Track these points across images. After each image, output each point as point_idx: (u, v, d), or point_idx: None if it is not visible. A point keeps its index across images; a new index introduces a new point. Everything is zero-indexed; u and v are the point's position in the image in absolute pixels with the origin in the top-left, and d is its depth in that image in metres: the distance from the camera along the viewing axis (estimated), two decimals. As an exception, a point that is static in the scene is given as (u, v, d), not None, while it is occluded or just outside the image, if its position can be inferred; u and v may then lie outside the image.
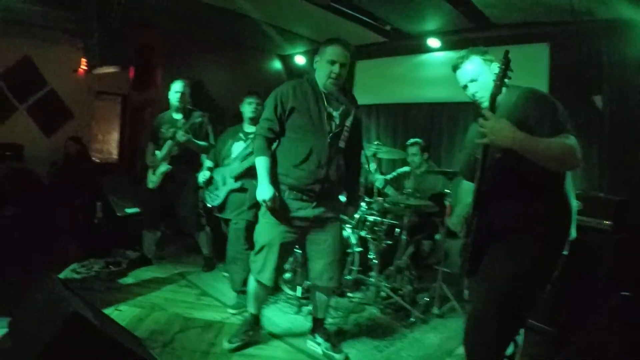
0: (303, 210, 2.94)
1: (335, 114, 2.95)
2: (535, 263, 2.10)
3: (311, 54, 6.82)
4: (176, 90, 4.38)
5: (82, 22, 4.67)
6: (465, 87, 2.34)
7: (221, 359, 3.04)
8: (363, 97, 6.13)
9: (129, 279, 4.29)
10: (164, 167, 4.36)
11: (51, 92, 5.57)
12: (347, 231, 4.31)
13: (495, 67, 2.22)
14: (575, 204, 2.22)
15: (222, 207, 4.03)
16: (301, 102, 2.93)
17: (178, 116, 4.42)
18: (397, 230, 4.50)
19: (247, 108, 4.04)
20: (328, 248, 3.02)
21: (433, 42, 5.33)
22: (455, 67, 2.35)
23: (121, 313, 3.54)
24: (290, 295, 4.08)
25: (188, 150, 4.32)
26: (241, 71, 6.92)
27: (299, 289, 3.97)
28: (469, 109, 4.83)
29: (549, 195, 2.14)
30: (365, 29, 5.48)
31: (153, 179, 4.43)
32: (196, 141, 4.28)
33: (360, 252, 4.23)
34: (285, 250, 3.02)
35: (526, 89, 2.25)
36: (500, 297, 2.09)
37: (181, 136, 4.14)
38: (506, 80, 2.12)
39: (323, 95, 2.95)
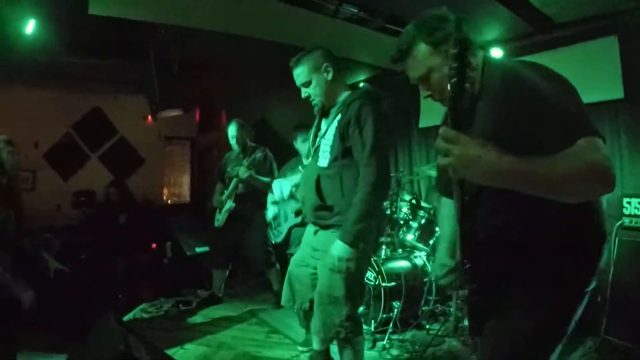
0: None
1: (320, 132, 2.54)
2: (562, 308, 1.42)
3: (374, 81, 6.72)
4: (231, 134, 4.40)
5: (143, 70, 4.82)
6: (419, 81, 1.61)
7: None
8: (430, 119, 5.90)
9: (198, 318, 4.21)
10: (228, 205, 4.33)
11: (122, 139, 5.79)
12: (422, 259, 4.03)
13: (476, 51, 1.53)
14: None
15: (286, 243, 3.93)
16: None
17: (241, 155, 4.40)
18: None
19: (301, 147, 3.83)
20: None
21: (495, 52, 5.02)
22: (394, 62, 1.63)
23: (186, 352, 3.44)
24: (364, 329, 3.79)
25: (252, 188, 4.27)
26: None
27: (373, 323, 3.71)
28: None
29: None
30: (425, 47, 5.27)
31: (219, 217, 4.42)
32: (258, 177, 4.20)
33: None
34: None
35: (516, 69, 1.46)
36: None
37: (243, 172, 4.09)
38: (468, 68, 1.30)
39: (316, 119, 2.62)
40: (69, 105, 5.46)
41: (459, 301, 1.79)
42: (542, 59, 4.47)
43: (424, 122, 6.02)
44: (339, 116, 2.39)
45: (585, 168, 1.15)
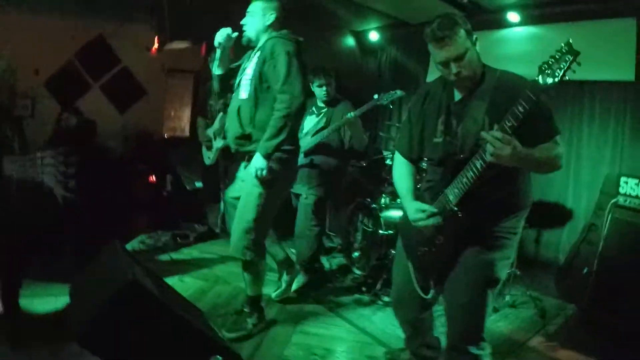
0: None
1: (241, 69, 2.89)
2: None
3: (385, 30, 6.60)
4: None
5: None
6: (444, 64, 1.94)
7: (282, 335, 2.97)
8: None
9: (194, 252, 4.32)
10: (219, 143, 4.24)
11: (124, 69, 5.66)
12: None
13: (477, 43, 1.97)
14: None
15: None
16: None
17: None
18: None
19: (318, 92, 3.79)
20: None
21: (513, 16, 4.93)
22: (436, 41, 1.91)
23: (184, 284, 3.55)
24: (358, 274, 3.94)
25: None
26: (313, 49, 6.70)
27: (367, 269, 3.84)
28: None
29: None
30: (442, 2, 5.14)
31: (209, 155, 4.35)
32: None
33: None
34: None
35: (512, 74, 2.00)
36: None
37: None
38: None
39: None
40: (74, 31, 5.27)
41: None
42: (559, 29, 4.46)
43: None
44: (258, 53, 2.70)
45: (552, 160, 1.87)
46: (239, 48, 2.94)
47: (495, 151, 1.68)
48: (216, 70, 2.83)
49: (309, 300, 3.53)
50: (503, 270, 2.08)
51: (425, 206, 2.05)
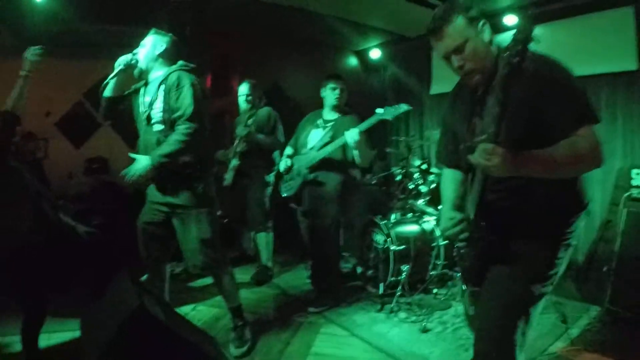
0: None
1: (146, 102, 2.90)
2: (547, 255, 1.77)
3: (386, 47, 6.66)
4: (242, 92, 4.37)
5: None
6: (446, 58, 1.78)
7: (297, 357, 2.93)
8: (442, 85, 5.86)
9: (208, 280, 4.27)
10: (234, 163, 4.32)
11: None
12: (432, 224, 4.06)
13: (487, 29, 1.74)
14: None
15: (297, 198, 3.86)
16: None
17: (250, 122, 4.36)
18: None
19: (330, 94, 3.78)
20: None
21: (510, 19, 4.93)
22: (433, 33, 1.75)
23: (198, 312, 3.57)
24: (372, 292, 3.89)
25: (255, 146, 4.23)
26: (318, 70, 6.79)
27: (381, 286, 3.75)
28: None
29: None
30: (436, 12, 5.19)
31: (226, 176, 4.41)
32: (257, 135, 4.16)
33: (445, 246, 3.93)
34: None
35: (537, 56, 1.62)
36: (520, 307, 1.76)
37: (241, 130, 4.08)
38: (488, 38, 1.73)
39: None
40: (81, 73, 5.45)
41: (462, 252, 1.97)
42: (557, 27, 4.44)
43: (436, 88, 6.01)
44: (163, 86, 2.76)
45: (581, 155, 1.53)
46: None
47: (484, 164, 1.48)
48: (108, 92, 2.87)
49: (323, 321, 3.50)
50: (539, 288, 1.76)
51: (455, 213, 1.91)
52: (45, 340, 2.94)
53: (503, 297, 1.75)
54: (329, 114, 3.85)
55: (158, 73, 2.84)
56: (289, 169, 3.90)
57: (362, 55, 7.20)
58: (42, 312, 2.85)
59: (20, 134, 5.00)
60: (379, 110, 3.42)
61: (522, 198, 1.72)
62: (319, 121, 3.87)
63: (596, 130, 1.58)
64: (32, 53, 2.81)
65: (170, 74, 2.79)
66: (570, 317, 3.36)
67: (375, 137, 4.07)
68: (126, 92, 2.94)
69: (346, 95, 3.81)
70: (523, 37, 1.32)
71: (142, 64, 2.83)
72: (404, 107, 3.44)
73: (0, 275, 2.68)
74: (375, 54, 6.84)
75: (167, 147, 2.64)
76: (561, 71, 1.62)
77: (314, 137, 3.81)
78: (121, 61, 2.78)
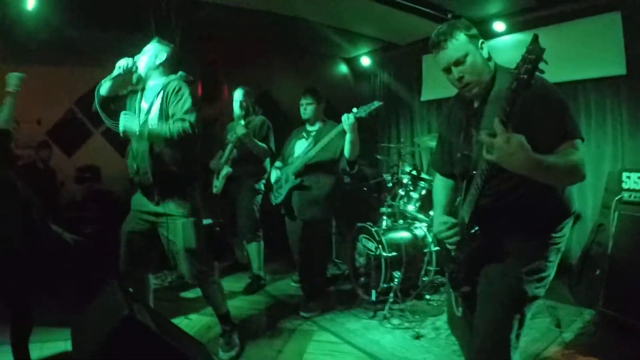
0: None
1: (143, 109, 2.92)
2: (538, 252, 1.86)
3: (376, 54, 6.69)
4: (236, 98, 4.36)
5: (143, 44, 4.80)
6: (447, 70, 1.89)
7: (289, 366, 2.91)
8: (432, 92, 5.88)
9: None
10: (225, 170, 4.31)
11: (125, 114, 5.77)
12: (423, 230, 4.05)
13: (485, 47, 1.87)
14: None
15: (286, 205, 3.91)
16: None
17: (242, 122, 4.36)
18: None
19: (301, 110, 3.96)
20: None
21: (498, 25, 4.99)
22: (435, 46, 1.87)
23: (190, 322, 3.54)
24: (364, 299, 3.87)
25: (248, 154, 4.23)
26: (308, 78, 6.81)
27: (373, 293, 3.74)
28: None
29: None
30: (427, 21, 5.23)
31: (216, 184, 4.40)
32: (254, 139, 4.15)
33: (437, 251, 3.93)
34: None
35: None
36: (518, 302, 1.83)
37: (240, 129, 4.05)
38: (490, 60, 1.86)
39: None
40: (72, 81, 5.43)
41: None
42: (545, 33, 4.44)
43: (426, 95, 6.04)
44: (161, 94, 2.80)
45: (571, 169, 1.62)
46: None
47: (494, 153, 1.51)
48: (103, 91, 2.82)
49: (316, 328, 3.48)
50: (532, 288, 1.82)
51: (448, 218, 2.00)
52: (38, 350, 2.92)
53: (498, 295, 1.83)
54: (311, 126, 3.98)
55: (156, 81, 2.87)
56: (278, 179, 3.99)
57: (352, 62, 7.24)
58: (29, 319, 2.83)
59: (36, 143, 5.08)
60: (354, 110, 3.47)
61: (512, 201, 1.80)
62: (303, 132, 4.01)
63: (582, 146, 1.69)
64: (13, 84, 2.83)
65: (170, 82, 2.83)
66: (564, 320, 3.37)
67: (366, 144, 4.10)
68: (120, 93, 2.93)
69: (316, 108, 3.91)
70: (534, 57, 1.39)
71: (141, 71, 2.84)
72: (376, 104, 3.48)
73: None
74: (365, 61, 6.88)
75: (159, 129, 2.67)
76: (555, 92, 1.74)
77: (299, 147, 3.93)
78: (121, 65, 2.77)
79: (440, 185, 2.26)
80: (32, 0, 4.02)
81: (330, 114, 4.04)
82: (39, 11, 4.17)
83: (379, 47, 6.49)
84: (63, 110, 5.59)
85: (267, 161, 4.38)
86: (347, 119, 3.42)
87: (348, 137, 3.49)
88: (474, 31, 1.87)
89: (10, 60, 4.93)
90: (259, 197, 4.37)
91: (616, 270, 3.20)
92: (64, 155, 5.61)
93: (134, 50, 4.04)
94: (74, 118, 5.60)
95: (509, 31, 4.93)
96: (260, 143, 4.17)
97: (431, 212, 4.14)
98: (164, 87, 2.81)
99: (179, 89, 2.79)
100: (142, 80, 2.88)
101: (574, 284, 3.58)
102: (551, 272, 1.88)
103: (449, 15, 4.92)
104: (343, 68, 7.39)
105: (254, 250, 4.38)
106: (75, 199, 5.32)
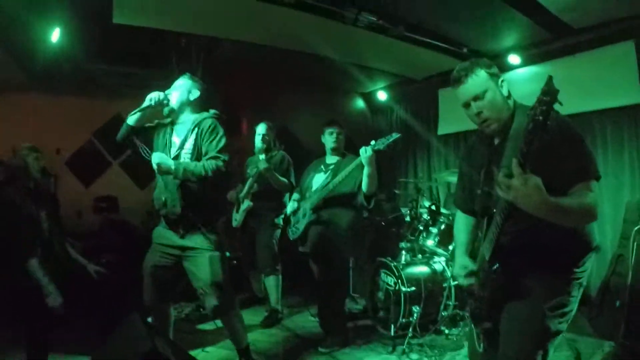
0: None
1: (175, 144, 3.00)
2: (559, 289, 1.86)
3: (393, 89, 6.76)
4: (259, 132, 4.42)
5: (165, 78, 4.90)
6: (466, 105, 1.94)
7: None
8: (449, 125, 5.91)
9: (218, 322, 4.23)
10: (246, 204, 4.34)
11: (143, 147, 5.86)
12: (442, 264, 4.05)
13: (505, 85, 1.92)
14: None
15: (303, 240, 3.86)
16: None
17: (262, 157, 4.40)
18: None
19: (328, 139, 3.90)
20: None
21: (513, 58, 5.04)
22: (455, 81, 1.95)
23: (207, 355, 3.50)
24: (383, 334, 3.84)
25: (268, 188, 4.27)
26: (325, 113, 6.91)
27: (392, 328, 3.71)
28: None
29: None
30: (443, 55, 5.28)
31: (236, 217, 4.42)
32: (275, 174, 4.18)
33: (456, 286, 3.89)
34: None
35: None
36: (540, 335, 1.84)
37: (262, 164, 4.06)
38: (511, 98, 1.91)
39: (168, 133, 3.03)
40: (92, 112, 5.56)
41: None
42: (560, 65, 4.52)
43: (443, 129, 6.05)
44: (196, 129, 2.89)
45: (585, 212, 1.64)
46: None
47: (510, 193, 1.51)
48: (131, 121, 2.87)
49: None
50: (555, 323, 1.82)
51: (468, 262, 2.02)
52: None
53: (521, 331, 1.83)
54: (330, 159, 3.94)
55: (188, 116, 2.94)
56: (295, 212, 3.95)
57: (369, 97, 7.32)
58: (45, 350, 2.84)
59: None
60: (372, 142, 3.42)
61: (533, 239, 1.81)
62: (322, 166, 3.96)
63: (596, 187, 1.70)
64: None
65: (205, 119, 2.92)
66: (584, 353, 3.31)
67: (384, 179, 4.09)
68: (147, 125, 2.97)
69: (344, 139, 3.91)
70: (549, 99, 1.39)
71: (174, 106, 2.90)
72: (394, 136, 3.43)
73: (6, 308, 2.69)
74: (382, 95, 6.95)
75: (194, 167, 2.72)
76: (571, 129, 1.76)
77: (317, 181, 3.88)
78: (152, 97, 2.81)
79: (462, 223, 2.27)
80: (56, 33, 4.13)
81: (348, 148, 4.01)
82: (61, 44, 4.29)
83: (396, 81, 6.56)
84: (82, 141, 5.71)
85: (287, 196, 4.39)
86: (365, 152, 3.37)
87: (366, 170, 3.44)
88: (494, 69, 1.92)
89: (33, 90, 5.10)
90: (278, 232, 4.39)
91: (636, 301, 3.16)
92: (82, 185, 5.70)
93: (154, 85, 4.15)
94: (92, 149, 5.71)
95: (524, 64, 4.97)
96: (281, 178, 4.20)
97: (450, 247, 4.15)
98: (199, 124, 2.88)
99: (214, 127, 2.88)
100: (174, 114, 2.93)
101: (594, 315, 3.54)
102: (574, 306, 1.88)
103: (465, 50, 4.98)
104: (360, 103, 7.48)
105: (272, 284, 4.37)
106: (93, 229, 5.37)
